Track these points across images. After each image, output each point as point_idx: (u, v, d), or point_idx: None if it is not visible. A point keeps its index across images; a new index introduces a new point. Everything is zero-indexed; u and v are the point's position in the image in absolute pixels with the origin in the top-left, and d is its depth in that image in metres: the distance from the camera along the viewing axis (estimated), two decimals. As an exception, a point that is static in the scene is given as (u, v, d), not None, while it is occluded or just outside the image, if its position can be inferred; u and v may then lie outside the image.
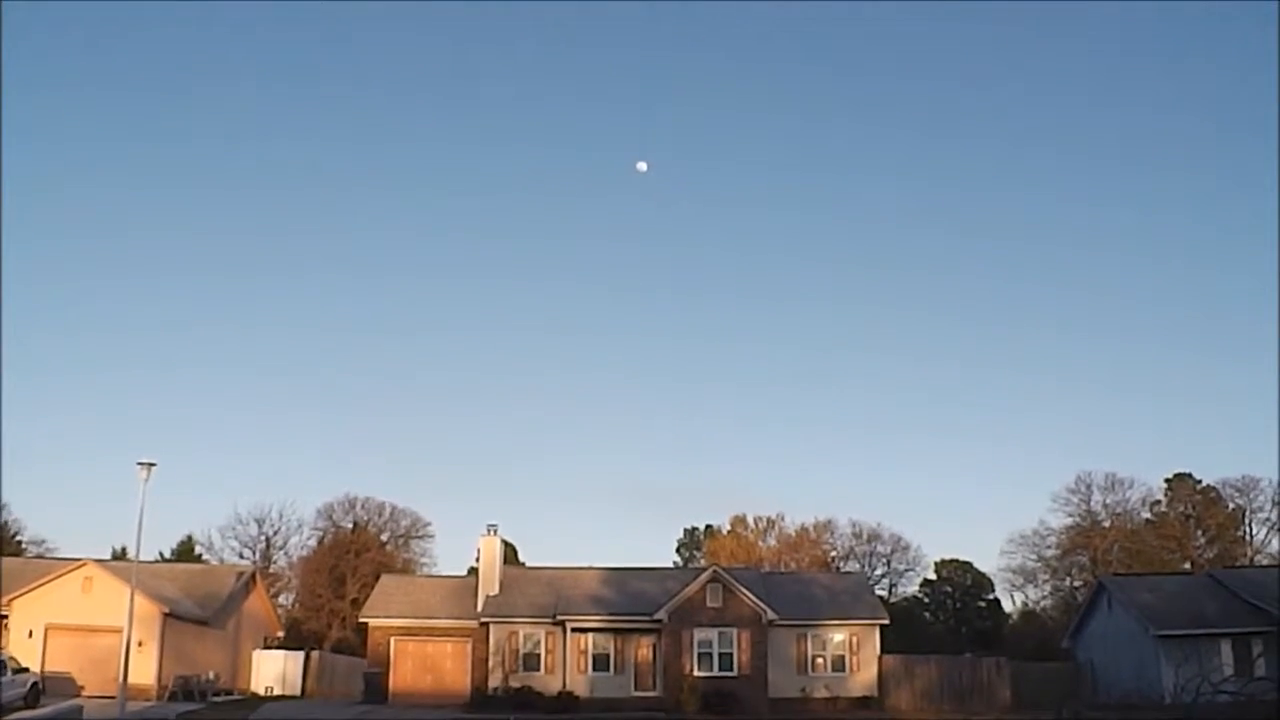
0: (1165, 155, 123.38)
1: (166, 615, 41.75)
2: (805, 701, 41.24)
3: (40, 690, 34.74)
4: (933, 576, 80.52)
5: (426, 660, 43.21)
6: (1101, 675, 44.65)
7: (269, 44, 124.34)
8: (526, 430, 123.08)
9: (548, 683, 41.54)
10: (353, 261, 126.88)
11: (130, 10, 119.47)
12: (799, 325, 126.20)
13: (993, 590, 79.50)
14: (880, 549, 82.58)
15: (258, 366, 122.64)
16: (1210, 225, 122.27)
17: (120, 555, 59.98)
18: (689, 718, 38.92)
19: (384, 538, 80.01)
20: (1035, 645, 62.07)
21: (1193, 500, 74.90)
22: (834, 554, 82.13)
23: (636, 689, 41.73)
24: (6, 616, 40.75)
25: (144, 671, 39.74)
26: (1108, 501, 75.98)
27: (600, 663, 42.17)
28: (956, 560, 79.68)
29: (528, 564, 56.83)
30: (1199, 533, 74.82)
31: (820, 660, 42.55)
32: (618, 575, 46.45)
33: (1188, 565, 69.15)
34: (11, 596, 40.75)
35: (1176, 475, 75.88)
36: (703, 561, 79.78)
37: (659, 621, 41.55)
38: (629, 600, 43.52)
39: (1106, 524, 75.08)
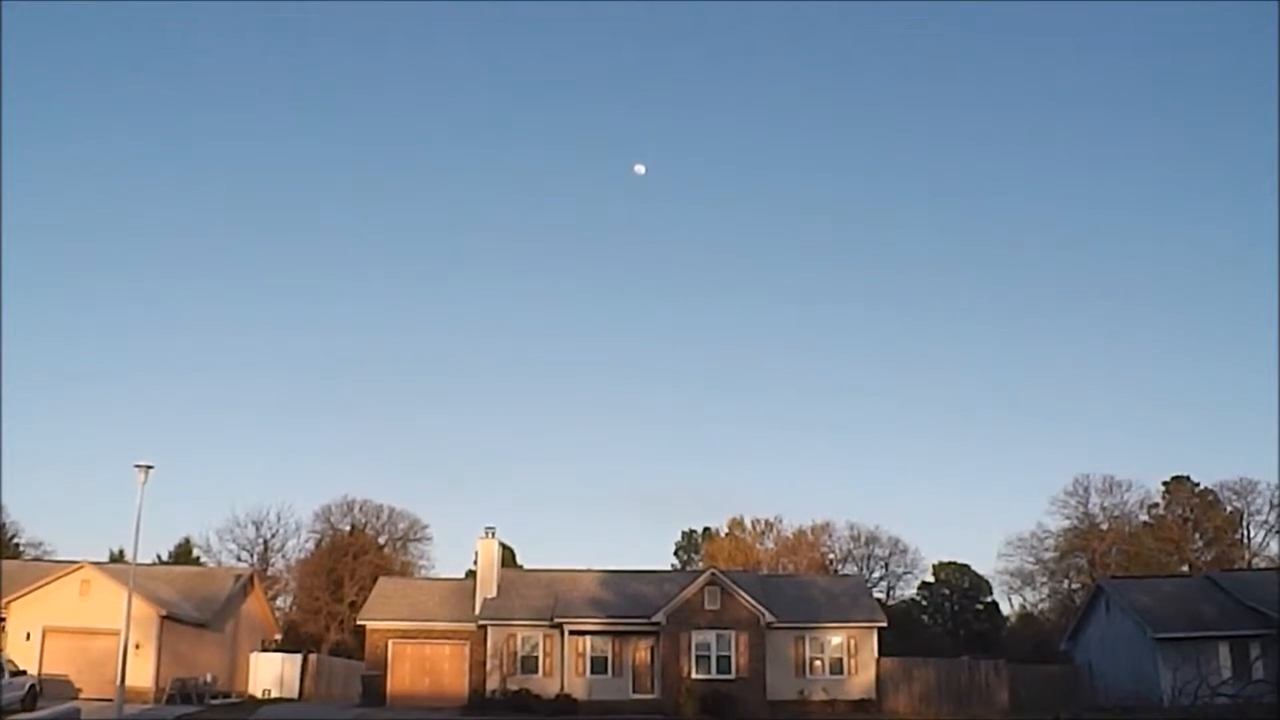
0: (1164, 155, 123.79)
1: (164, 618, 41.71)
2: (803, 704, 41.25)
3: (38, 693, 34.64)
4: (931, 579, 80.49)
5: (424, 663, 43.17)
6: (1099, 678, 44.66)
7: (266, 45, 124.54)
8: (524, 432, 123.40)
9: (546, 685, 41.52)
10: (351, 263, 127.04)
11: (129, 11, 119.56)
12: (797, 327, 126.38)
13: (991, 593, 79.53)
14: (878, 551, 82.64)
15: (255, 369, 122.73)
16: (1209, 226, 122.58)
17: (118, 558, 59.91)
18: (687, 720, 38.96)
19: (382, 540, 79.92)
20: (1033, 648, 62.02)
21: (1191, 503, 74.90)
22: (832, 556, 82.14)
23: (635, 691, 41.74)
24: (4, 619, 40.68)
25: (142, 674, 39.67)
26: (1106, 504, 76.08)
27: (598, 665, 42.18)
28: (954, 563, 79.67)
29: (526, 566, 56.76)
30: (1197, 535, 74.83)
31: (818, 663, 42.55)
32: (616, 578, 46.43)
33: (1186, 568, 69.19)
34: (9, 599, 40.69)
35: (1174, 478, 75.89)
36: (700, 564, 79.78)
37: (657, 624, 41.54)
38: (627, 603, 43.51)
39: (1104, 526, 75.07)
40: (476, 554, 46.31)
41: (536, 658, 42.40)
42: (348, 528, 78.50)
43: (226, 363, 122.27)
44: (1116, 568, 69.57)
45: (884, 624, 43.69)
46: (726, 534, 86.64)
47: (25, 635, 40.40)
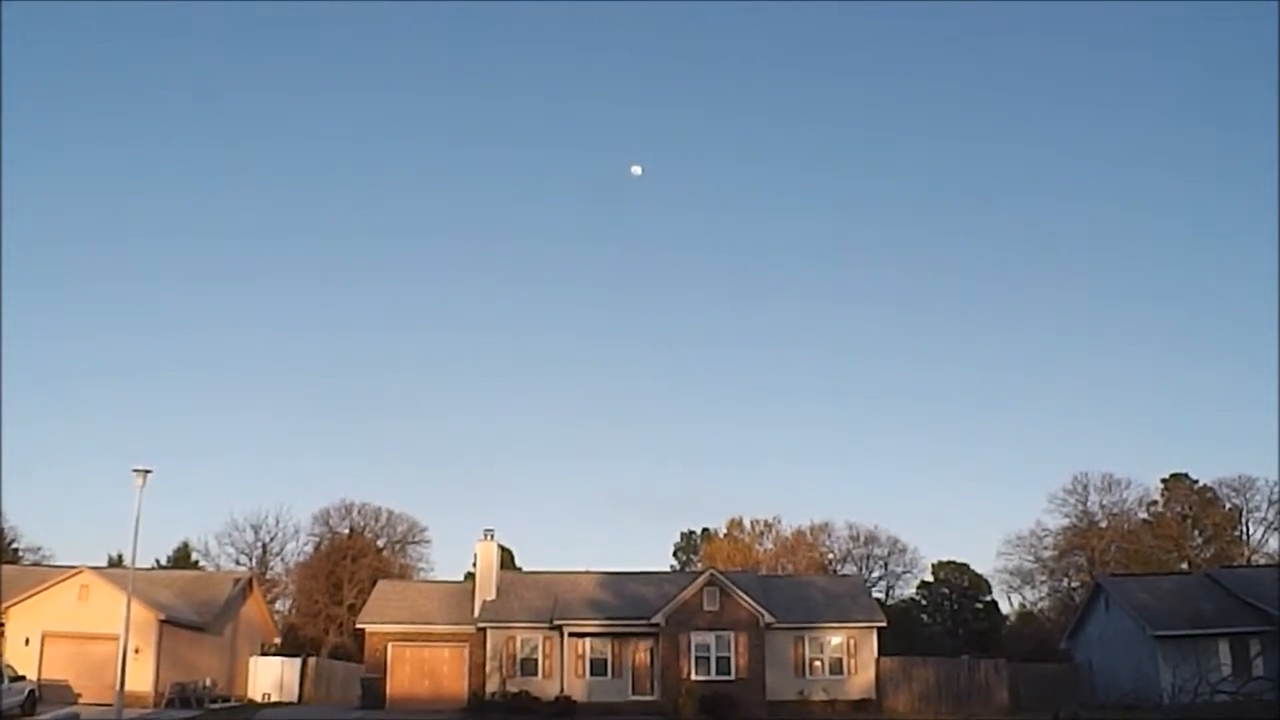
0: (1163, 155, 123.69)
1: (163, 622, 41.67)
2: (803, 704, 41.27)
3: (37, 698, 34.69)
4: (930, 578, 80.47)
5: (424, 666, 43.14)
6: (1099, 676, 44.69)
7: (263, 46, 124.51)
8: (522, 434, 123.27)
9: (545, 687, 41.50)
10: (348, 265, 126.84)
11: (126, 11, 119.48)
12: (795, 328, 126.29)
13: (990, 592, 79.49)
14: (877, 551, 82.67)
15: (253, 372, 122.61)
16: (1208, 225, 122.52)
17: (117, 562, 59.85)
18: (687, 721, 38.94)
19: (380, 543, 79.87)
20: (1033, 646, 62.01)
21: (1190, 500, 74.95)
22: (831, 557, 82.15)
23: (634, 693, 41.73)
24: (3, 624, 40.66)
25: (141, 678, 39.64)
26: (1104, 502, 76.11)
27: (598, 667, 42.17)
28: (954, 562, 79.62)
29: (525, 569, 56.70)
30: (1196, 533, 74.87)
31: (818, 663, 42.55)
32: (615, 579, 46.42)
33: (1185, 565, 69.19)
34: (8, 604, 40.66)
35: (1173, 475, 75.94)
36: (699, 565, 79.76)
37: (656, 625, 41.54)
38: (626, 604, 43.50)
39: (1103, 525, 75.11)
40: (475, 556, 46.32)
41: (536, 660, 42.37)
42: (346, 531, 78.43)
43: (224, 366, 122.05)
44: (1116, 566, 69.60)
45: (883, 624, 43.68)
46: (725, 535, 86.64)
47: (24, 640, 40.35)
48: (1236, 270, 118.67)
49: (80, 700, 38.32)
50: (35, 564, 58.38)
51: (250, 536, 76.69)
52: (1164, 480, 76.14)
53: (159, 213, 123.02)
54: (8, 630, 40.59)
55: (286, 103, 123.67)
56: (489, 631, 42.64)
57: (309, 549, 78.26)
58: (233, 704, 43.94)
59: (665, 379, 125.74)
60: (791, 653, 42.41)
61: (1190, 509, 74.96)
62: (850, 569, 79.04)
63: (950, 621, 78.31)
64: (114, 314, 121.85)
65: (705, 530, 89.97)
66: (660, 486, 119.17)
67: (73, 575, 42.09)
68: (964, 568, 79.46)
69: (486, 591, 44.38)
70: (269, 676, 48.08)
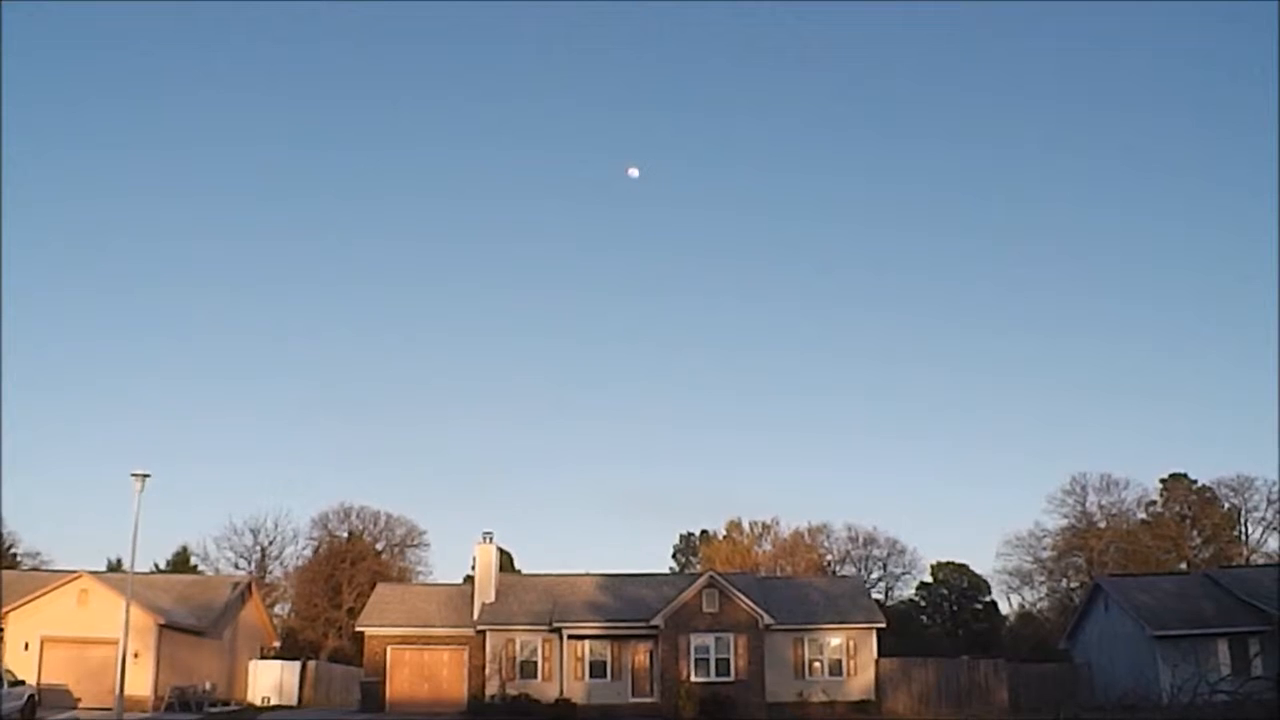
0: (1163, 155, 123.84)
1: (162, 626, 41.64)
2: (803, 705, 41.28)
3: (37, 702, 34.64)
4: (929, 579, 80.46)
5: (423, 669, 43.14)
6: (1099, 676, 44.68)
7: (262, 48, 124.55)
8: (521, 437, 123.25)
9: (545, 690, 41.51)
10: (347, 269, 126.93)
11: (127, 11, 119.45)
12: (794, 329, 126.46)
13: (989, 592, 79.49)
14: (876, 552, 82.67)
15: (252, 376, 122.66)
16: (1207, 225, 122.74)
17: (115, 567, 59.87)
18: (687, 723, 38.95)
19: (379, 546, 79.83)
20: (1032, 647, 62.06)
21: (1188, 500, 74.98)
22: (830, 558, 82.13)
23: (634, 695, 41.75)
24: (2, 629, 40.62)
25: (140, 682, 39.63)
26: (1103, 502, 76.15)
27: (597, 669, 42.18)
28: (953, 563, 79.63)
29: (524, 571, 56.76)
30: (1195, 533, 74.86)
31: (817, 664, 42.56)
32: (614, 581, 46.44)
33: (1184, 565, 69.20)
34: (7, 609, 40.63)
35: (1172, 475, 75.97)
36: (698, 567, 79.79)
37: (655, 627, 41.55)
38: (625, 606, 43.51)
39: (1102, 525, 75.13)
40: (474, 559, 46.34)
41: (535, 662, 42.38)
42: (345, 534, 78.41)
43: (223, 370, 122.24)
44: (1115, 566, 69.62)
45: (883, 625, 43.67)
46: (724, 536, 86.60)
47: (24, 645, 40.33)
48: (1236, 270, 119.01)
49: (80, 705, 38.35)
50: (34, 568, 58.34)
51: (249, 540, 76.89)
52: (1163, 480, 76.20)
53: (158, 216, 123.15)
54: (7, 635, 40.55)
55: (285, 105, 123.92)
56: (488, 634, 42.64)
57: (308, 552, 78.39)
58: (232, 708, 43.90)
59: (664, 381, 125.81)
60: (791, 654, 42.42)
61: (1189, 509, 74.99)
62: (849, 570, 79.06)
63: (949, 622, 78.29)
64: (112, 318, 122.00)
65: (704, 532, 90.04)
66: (659, 488, 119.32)
67: (72, 580, 42.06)
68: (963, 568, 79.48)
69: (486, 594, 44.39)
70: (268, 680, 48.05)
